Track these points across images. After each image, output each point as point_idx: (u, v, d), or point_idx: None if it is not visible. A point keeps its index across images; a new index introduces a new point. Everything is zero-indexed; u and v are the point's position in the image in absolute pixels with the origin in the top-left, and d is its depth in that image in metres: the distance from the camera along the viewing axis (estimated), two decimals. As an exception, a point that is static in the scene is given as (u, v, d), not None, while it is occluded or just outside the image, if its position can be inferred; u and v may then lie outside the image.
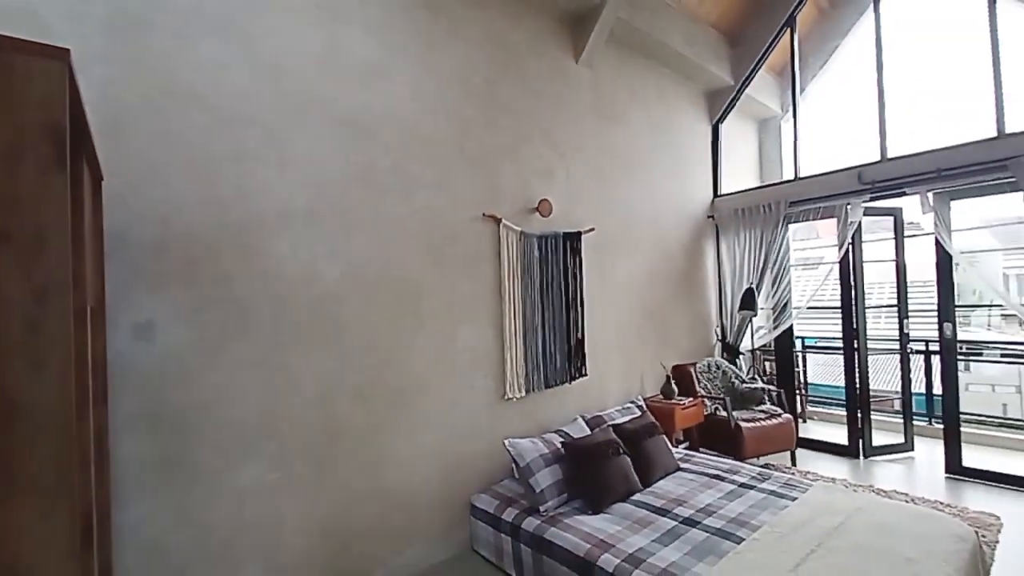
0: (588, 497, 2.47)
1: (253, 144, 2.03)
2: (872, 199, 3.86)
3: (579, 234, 3.37)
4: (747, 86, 4.65)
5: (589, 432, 2.94)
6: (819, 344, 6.11)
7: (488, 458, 2.82)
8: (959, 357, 5.70)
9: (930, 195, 3.51)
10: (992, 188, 3.36)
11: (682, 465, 2.98)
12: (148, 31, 1.79)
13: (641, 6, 3.70)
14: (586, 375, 3.39)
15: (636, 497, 2.55)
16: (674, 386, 3.82)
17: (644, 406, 3.51)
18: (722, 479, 2.75)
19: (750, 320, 4.52)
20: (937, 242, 3.56)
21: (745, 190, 4.75)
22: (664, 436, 3.08)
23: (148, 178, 1.78)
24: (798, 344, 5.22)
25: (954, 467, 3.56)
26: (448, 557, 2.58)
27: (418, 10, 2.59)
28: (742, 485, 2.66)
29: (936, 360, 4.25)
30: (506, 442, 2.61)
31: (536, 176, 3.20)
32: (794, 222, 4.34)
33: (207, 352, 1.89)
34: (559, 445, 2.67)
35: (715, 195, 4.82)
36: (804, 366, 5.33)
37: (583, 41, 3.40)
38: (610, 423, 3.07)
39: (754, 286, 4.37)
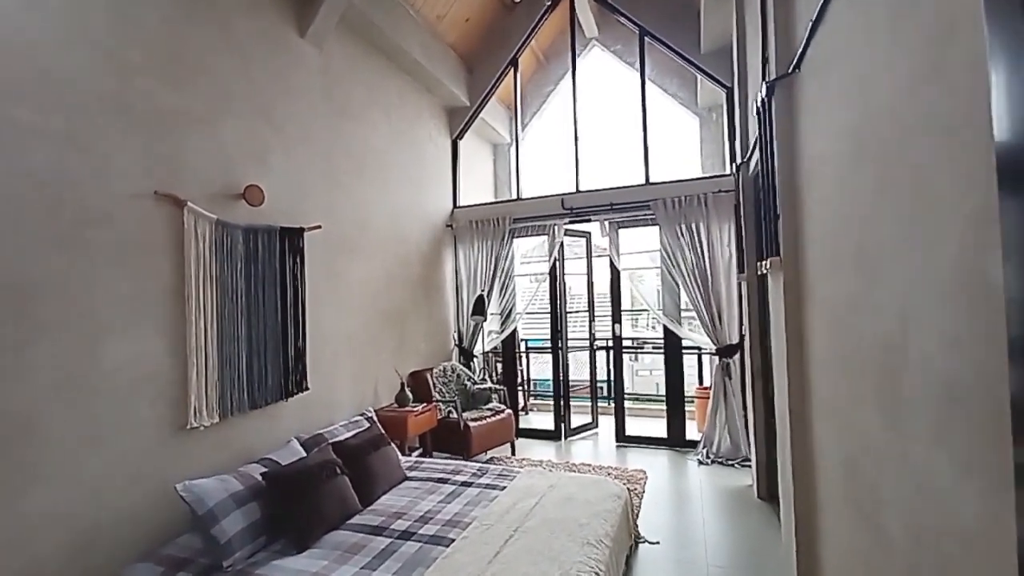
0: (293, 533, 2.12)
1: None
2: (571, 222, 4.66)
3: (302, 230, 2.98)
4: (481, 110, 5.07)
5: (304, 455, 2.57)
6: (539, 345, 7.11)
7: (156, 511, 2.15)
8: (629, 350, 7.48)
9: (607, 223, 4.45)
10: (643, 222, 4.46)
11: (410, 474, 2.91)
12: None
13: (377, 1, 3.58)
14: (308, 389, 2.99)
15: (354, 520, 2.33)
16: (409, 393, 3.77)
17: (375, 417, 3.32)
18: (446, 481, 2.79)
19: (482, 325, 4.88)
20: (611, 260, 4.52)
21: (479, 204, 5.14)
22: (393, 446, 2.96)
23: None
24: (522, 346, 5.94)
25: (621, 437, 4.55)
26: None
27: None
28: (463, 484, 2.75)
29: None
30: (179, 487, 2.01)
31: (245, 157, 2.68)
32: (517, 237, 4.89)
33: None
34: (259, 477, 2.23)
35: (454, 206, 5.06)
36: (528, 365, 6.09)
37: (309, 16, 3.05)
38: (331, 441, 2.76)
39: (485, 293, 4.74)
